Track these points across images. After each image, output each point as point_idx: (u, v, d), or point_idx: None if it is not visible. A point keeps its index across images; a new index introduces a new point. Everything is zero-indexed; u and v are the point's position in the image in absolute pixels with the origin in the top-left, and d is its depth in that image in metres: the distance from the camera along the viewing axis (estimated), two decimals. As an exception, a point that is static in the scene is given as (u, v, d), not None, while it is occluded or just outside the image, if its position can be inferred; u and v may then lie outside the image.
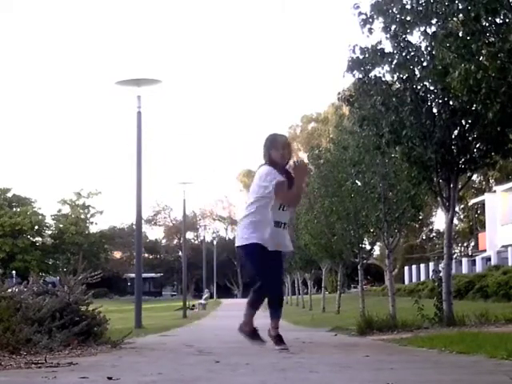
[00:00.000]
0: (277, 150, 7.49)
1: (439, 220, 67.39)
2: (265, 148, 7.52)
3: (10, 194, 76.52)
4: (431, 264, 38.35)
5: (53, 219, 79.93)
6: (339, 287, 32.06)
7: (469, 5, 10.03)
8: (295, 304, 47.73)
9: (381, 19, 11.64)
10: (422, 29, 11.42)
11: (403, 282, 48.09)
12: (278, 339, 7.33)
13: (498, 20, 10.18)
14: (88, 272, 8.85)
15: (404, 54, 11.74)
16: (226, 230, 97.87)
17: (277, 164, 7.48)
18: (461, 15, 10.40)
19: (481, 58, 10.18)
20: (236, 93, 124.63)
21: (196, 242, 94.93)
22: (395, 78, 12.15)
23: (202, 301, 52.26)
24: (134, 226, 32.90)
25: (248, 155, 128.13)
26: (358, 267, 21.50)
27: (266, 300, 7.47)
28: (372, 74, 12.22)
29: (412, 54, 11.73)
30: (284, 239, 7.49)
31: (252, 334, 7.60)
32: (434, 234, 68.06)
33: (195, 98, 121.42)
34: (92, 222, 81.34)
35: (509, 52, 9.82)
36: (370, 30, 11.80)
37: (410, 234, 60.62)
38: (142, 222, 23.06)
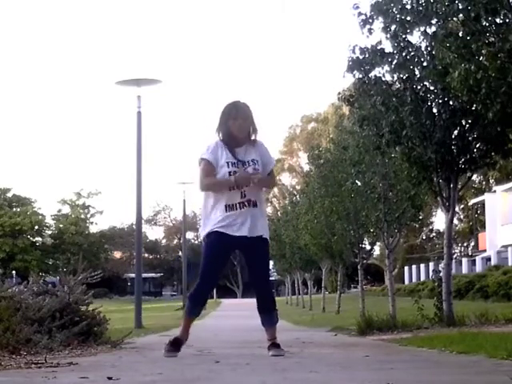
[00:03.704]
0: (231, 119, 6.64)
1: (439, 220, 67.46)
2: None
3: (10, 194, 76.41)
4: (431, 264, 38.35)
5: (53, 219, 79.82)
6: (339, 287, 32.03)
7: (469, 5, 10.03)
8: (295, 304, 47.70)
9: (381, 19, 11.64)
10: (422, 29, 11.42)
11: (403, 282, 48.10)
12: (272, 344, 6.44)
13: (498, 20, 10.18)
14: (88, 272, 8.85)
15: (404, 54, 11.74)
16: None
17: (232, 137, 6.57)
18: (461, 15, 10.39)
19: (481, 58, 10.17)
20: (236, 92, 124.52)
21: (196, 242, 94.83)
22: (395, 78, 12.16)
23: (202, 301, 52.10)
24: (134, 226, 32.85)
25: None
26: (358, 267, 21.48)
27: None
28: (372, 74, 12.23)
29: (412, 54, 11.73)
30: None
31: None
32: (434, 234, 68.03)
33: (195, 97, 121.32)
34: (92, 222, 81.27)
35: (509, 52, 9.82)
36: (370, 30, 11.81)
37: (410, 234, 60.63)
38: (142, 221, 23.03)
